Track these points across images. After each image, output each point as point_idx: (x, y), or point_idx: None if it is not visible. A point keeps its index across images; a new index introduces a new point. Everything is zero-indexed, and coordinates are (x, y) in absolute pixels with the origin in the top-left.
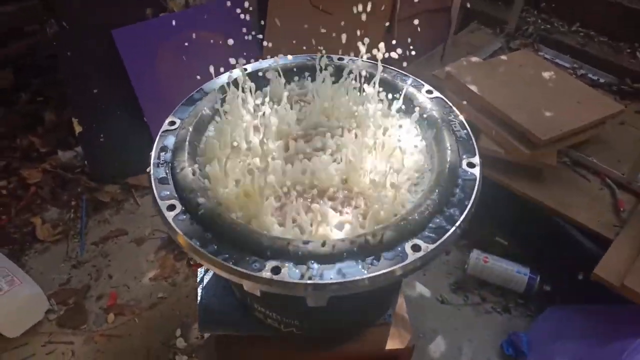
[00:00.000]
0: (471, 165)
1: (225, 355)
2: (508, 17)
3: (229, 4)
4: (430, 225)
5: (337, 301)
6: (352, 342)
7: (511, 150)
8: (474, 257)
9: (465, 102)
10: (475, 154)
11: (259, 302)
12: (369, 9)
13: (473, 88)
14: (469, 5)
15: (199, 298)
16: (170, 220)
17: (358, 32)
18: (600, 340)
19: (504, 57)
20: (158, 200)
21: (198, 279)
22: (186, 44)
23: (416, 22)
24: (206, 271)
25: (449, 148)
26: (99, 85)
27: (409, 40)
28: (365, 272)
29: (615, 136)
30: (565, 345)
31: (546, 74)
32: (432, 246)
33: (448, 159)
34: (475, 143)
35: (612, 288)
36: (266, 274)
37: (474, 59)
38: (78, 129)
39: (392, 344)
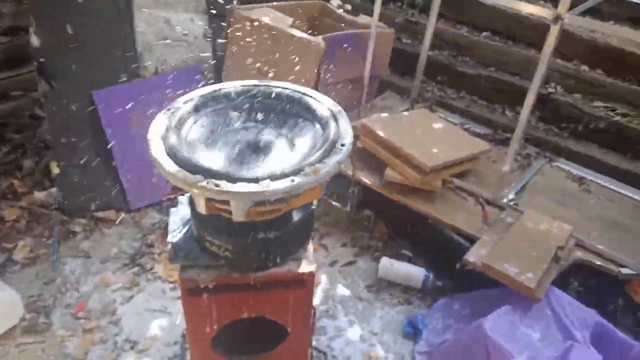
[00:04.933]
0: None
1: (187, 278)
2: (412, 87)
3: (189, 72)
4: None
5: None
6: (275, 267)
7: (408, 177)
8: (383, 263)
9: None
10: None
11: (206, 229)
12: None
13: (381, 133)
14: (384, 78)
15: (170, 239)
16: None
17: None
18: (473, 315)
19: (405, 113)
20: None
21: (170, 226)
22: (155, 103)
23: (339, 87)
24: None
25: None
26: (78, 134)
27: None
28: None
29: (487, 169)
30: (449, 321)
31: (436, 125)
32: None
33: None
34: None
35: (476, 268)
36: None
37: (383, 115)
38: (55, 170)
39: (303, 268)
